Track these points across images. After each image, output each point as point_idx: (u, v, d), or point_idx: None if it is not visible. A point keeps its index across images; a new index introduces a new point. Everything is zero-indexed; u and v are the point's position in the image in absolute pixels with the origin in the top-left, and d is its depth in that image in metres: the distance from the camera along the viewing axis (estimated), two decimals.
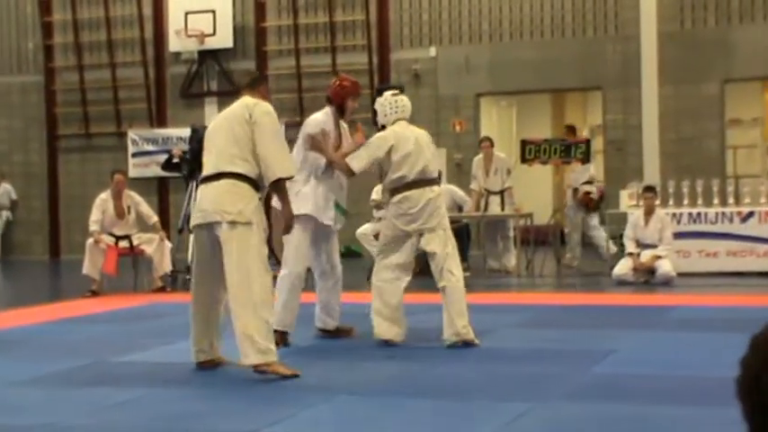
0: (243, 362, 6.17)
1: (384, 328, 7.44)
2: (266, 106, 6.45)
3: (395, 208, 7.51)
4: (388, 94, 7.77)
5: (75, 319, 9.82)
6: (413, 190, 7.49)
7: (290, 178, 6.52)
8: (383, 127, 7.62)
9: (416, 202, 7.47)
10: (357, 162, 7.45)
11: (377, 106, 7.68)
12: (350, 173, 7.50)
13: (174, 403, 5.68)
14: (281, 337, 7.24)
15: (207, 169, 6.46)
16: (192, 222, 6.53)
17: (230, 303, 6.24)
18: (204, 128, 13.92)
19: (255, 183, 6.36)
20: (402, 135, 7.53)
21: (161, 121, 19.03)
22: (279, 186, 6.43)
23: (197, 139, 13.53)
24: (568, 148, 14.13)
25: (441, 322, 7.43)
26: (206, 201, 6.37)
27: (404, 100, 7.70)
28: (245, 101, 6.51)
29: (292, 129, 17.93)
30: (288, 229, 6.69)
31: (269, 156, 6.30)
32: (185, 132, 14.65)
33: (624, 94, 16.85)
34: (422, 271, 10.17)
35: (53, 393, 6.05)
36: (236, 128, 6.35)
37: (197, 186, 12.95)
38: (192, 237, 6.59)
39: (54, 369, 6.81)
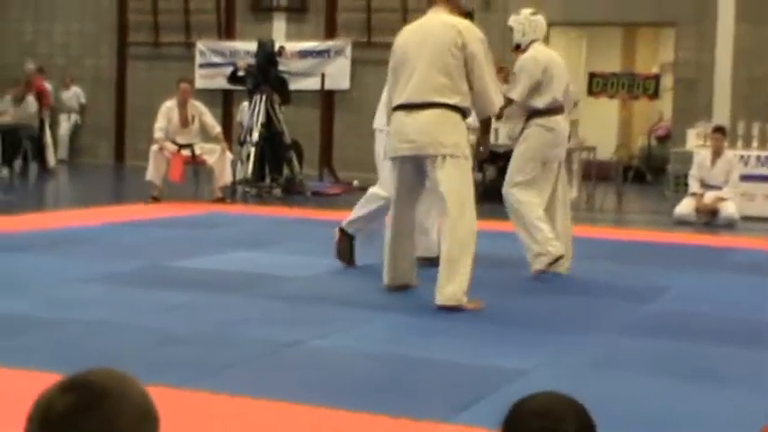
0: (437, 299, 5.85)
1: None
2: (477, 31, 5.99)
3: (542, 132, 7.32)
4: (526, 12, 7.51)
5: (136, 222, 9.97)
6: (558, 115, 7.40)
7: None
8: (518, 46, 7.44)
9: (563, 130, 7.47)
10: (516, 91, 7.25)
11: (513, 24, 7.43)
12: (508, 103, 7.11)
13: (226, 310, 5.76)
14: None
15: (406, 95, 5.95)
16: (396, 153, 6.05)
17: (445, 232, 5.93)
18: (271, 42, 14.06)
19: (465, 113, 6.02)
20: (550, 56, 7.40)
21: (229, 34, 19.01)
22: (487, 121, 6.35)
23: (263, 54, 13.57)
24: (636, 83, 13.90)
25: (503, 250, 7.45)
26: (414, 131, 5.90)
27: (541, 20, 7.50)
28: (450, 21, 5.99)
29: (359, 49, 17.96)
30: (482, 155, 7.07)
31: (487, 90, 5.94)
32: (253, 46, 14.62)
33: (698, 30, 16.43)
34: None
35: (110, 292, 6.17)
36: (447, 57, 5.85)
37: (261, 100, 13.21)
38: (392, 166, 6.25)
39: (112, 269, 6.94)
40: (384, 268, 6.40)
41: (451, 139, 5.85)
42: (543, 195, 7.33)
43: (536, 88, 7.26)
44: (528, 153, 7.30)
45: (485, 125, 6.49)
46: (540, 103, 7.28)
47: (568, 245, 7.43)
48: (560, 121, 7.41)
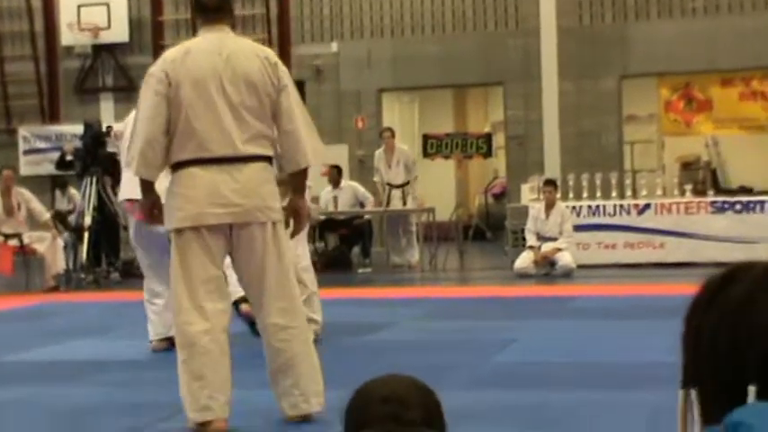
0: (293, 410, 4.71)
1: None
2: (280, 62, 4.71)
3: None
4: None
5: None
6: None
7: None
8: None
9: None
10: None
11: None
12: None
13: (66, 401, 5.47)
14: None
15: (214, 147, 4.49)
16: (208, 221, 4.51)
17: (280, 317, 4.61)
18: (98, 122, 13.69)
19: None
20: None
21: (54, 118, 18.50)
22: (303, 175, 4.75)
23: (91, 135, 13.18)
24: (469, 143, 14.18)
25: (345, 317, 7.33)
26: (234, 192, 4.50)
27: None
28: (254, 48, 4.70)
29: None
30: (301, 228, 4.89)
31: (301, 134, 4.57)
32: (80, 129, 14.21)
33: (525, 89, 16.95)
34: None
35: None
36: (261, 94, 4.53)
37: (92, 182, 12.80)
38: (180, 238, 4.58)
39: None
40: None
41: (277, 202, 4.66)
42: None
43: None
44: None
45: (299, 182, 4.78)
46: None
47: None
48: None
